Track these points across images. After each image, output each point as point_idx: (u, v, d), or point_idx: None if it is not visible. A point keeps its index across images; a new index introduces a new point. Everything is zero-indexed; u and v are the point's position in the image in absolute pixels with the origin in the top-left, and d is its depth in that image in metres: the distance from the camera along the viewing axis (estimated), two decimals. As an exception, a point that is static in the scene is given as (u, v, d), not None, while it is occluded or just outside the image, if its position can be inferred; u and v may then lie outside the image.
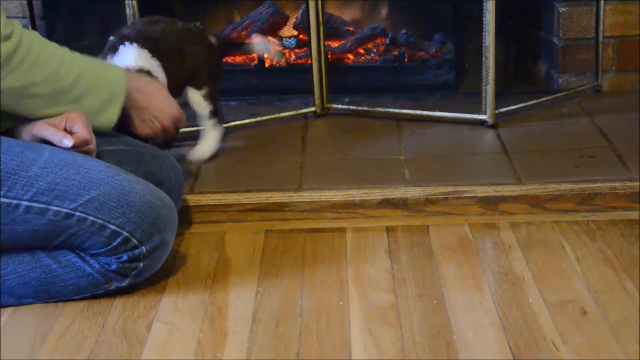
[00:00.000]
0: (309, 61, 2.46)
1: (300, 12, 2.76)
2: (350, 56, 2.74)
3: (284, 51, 2.73)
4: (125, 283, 1.66)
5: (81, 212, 1.60)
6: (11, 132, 1.71)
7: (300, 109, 2.51)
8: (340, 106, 2.51)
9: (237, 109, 2.43)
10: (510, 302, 1.60)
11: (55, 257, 1.65)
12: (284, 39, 2.78)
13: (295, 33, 2.80)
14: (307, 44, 2.48)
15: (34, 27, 2.46)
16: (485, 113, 2.33)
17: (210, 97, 2.15)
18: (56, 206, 1.60)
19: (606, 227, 1.88)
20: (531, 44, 2.75)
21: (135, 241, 1.62)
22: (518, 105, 2.41)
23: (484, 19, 2.25)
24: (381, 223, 1.95)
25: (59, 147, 1.66)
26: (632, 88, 2.56)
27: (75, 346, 1.52)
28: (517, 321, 1.53)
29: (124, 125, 1.81)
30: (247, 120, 2.41)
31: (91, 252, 1.64)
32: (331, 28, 2.70)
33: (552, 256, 1.76)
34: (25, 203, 1.59)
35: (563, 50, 2.58)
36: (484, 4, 2.23)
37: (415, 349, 1.46)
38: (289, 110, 2.49)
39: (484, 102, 2.33)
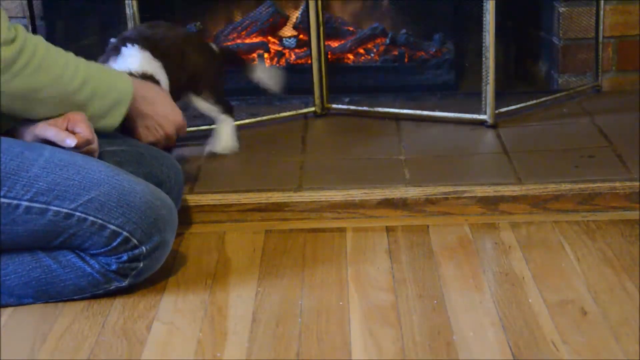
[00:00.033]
0: (309, 61, 2.46)
1: (300, 12, 2.76)
2: (350, 56, 2.74)
3: (284, 51, 2.73)
4: (125, 283, 1.66)
5: (81, 212, 1.60)
6: (11, 133, 1.71)
7: (300, 109, 2.51)
8: (340, 106, 2.51)
9: (237, 109, 2.41)
10: (510, 302, 1.60)
11: (55, 257, 1.65)
12: (284, 39, 2.79)
13: (295, 33, 2.80)
14: (307, 44, 2.48)
15: (34, 27, 2.46)
16: (485, 113, 2.33)
17: (218, 101, 2.17)
18: (56, 206, 1.60)
19: (606, 227, 1.88)
20: (531, 44, 2.75)
21: (135, 241, 1.62)
22: (518, 105, 2.41)
23: (484, 19, 2.24)
24: (381, 223, 1.95)
25: (62, 147, 1.66)
26: (632, 88, 2.56)
27: (75, 346, 1.52)
28: (517, 321, 1.53)
29: (128, 130, 1.82)
30: (247, 120, 2.41)
31: (91, 252, 1.64)
32: (331, 28, 2.70)
33: (552, 256, 1.76)
34: (25, 203, 1.59)
35: (563, 50, 2.58)
36: (484, 4, 2.23)
37: (415, 349, 1.47)
38: (289, 110, 2.49)
39: (484, 102, 2.33)
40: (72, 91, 1.66)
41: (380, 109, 2.46)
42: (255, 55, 2.71)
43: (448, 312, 1.57)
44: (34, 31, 2.44)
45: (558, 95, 2.51)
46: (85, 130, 1.67)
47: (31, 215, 1.60)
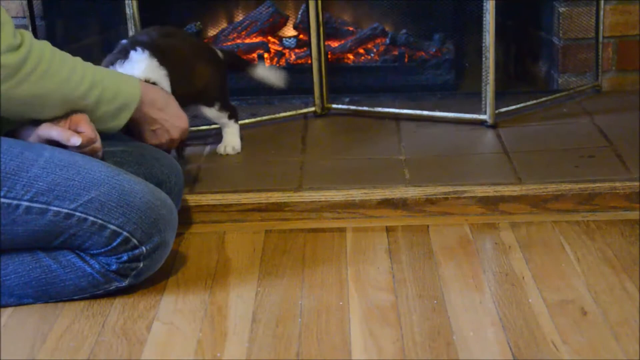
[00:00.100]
0: (309, 61, 2.46)
1: (300, 12, 2.76)
2: (350, 56, 2.74)
3: (284, 51, 2.73)
4: (125, 283, 1.66)
5: (81, 212, 1.60)
6: (13, 133, 1.71)
7: (300, 109, 2.51)
8: (340, 106, 2.51)
9: (237, 109, 2.41)
10: (510, 302, 1.60)
11: (56, 257, 1.65)
12: (284, 39, 2.79)
13: (295, 33, 2.80)
14: (307, 44, 2.48)
15: (34, 27, 2.45)
16: (485, 113, 2.33)
17: (224, 107, 2.19)
18: (56, 206, 1.60)
19: (606, 227, 1.88)
20: (531, 44, 2.75)
21: (135, 241, 1.62)
22: (518, 105, 2.41)
23: (484, 19, 2.25)
24: (381, 223, 1.95)
25: (65, 146, 1.66)
26: (632, 88, 2.56)
27: (75, 346, 1.52)
28: (517, 321, 1.53)
29: (132, 132, 1.82)
30: (247, 120, 2.41)
31: (91, 252, 1.64)
32: (331, 28, 2.70)
33: (552, 256, 1.76)
34: (25, 203, 1.59)
35: (563, 50, 2.58)
36: (484, 4, 2.23)
37: (415, 349, 1.46)
38: (289, 110, 2.49)
39: (484, 102, 2.33)
40: (79, 97, 1.66)
41: (380, 109, 2.46)
42: (255, 55, 2.71)
43: (448, 312, 1.57)
44: (34, 31, 2.44)
45: (558, 95, 2.51)
46: (88, 130, 1.68)
47: (31, 215, 1.60)
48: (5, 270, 1.65)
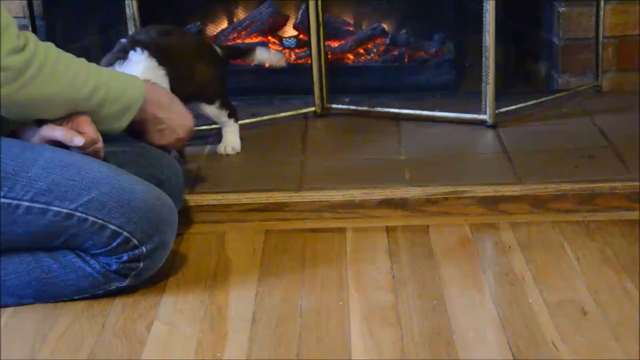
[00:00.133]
0: (309, 61, 2.46)
1: (300, 12, 2.76)
2: (350, 56, 2.74)
3: (284, 51, 2.73)
4: (125, 283, 1.66)
5: (81, 212, 1.60)
6: (15, 133, 1.71)
7: (300, 109, 2.51)
8: (340, 106, 2.51)
9: (237, 109, 2.41)
10: (510, 302, 1.60)
11: (56, 257, 1.65)
12: (284, 39, 2.79)
13: (295, 33, 2.80)
14: (307, 44, 2.48)
15: (34, 27, 2.45)
16: (485, 113, 2.33)
17: (224, 105, 2.19)
18: (56, 207, 1.60)
19: (606, 227, 1.88)
20: (531, 44, 2.75)
21: (135, 241, 1.62)
22: (518, 105, 2.41)
23: (484, 19, 2.24)
24: (381, 223, 1.95)
25: (68, 147, 1.66)
26: (632, 88, 2.56)
27: (75, 346, 1.52)
28: (517, 321, 1.53)
29: (137, 133, 1.82)
30: (247, 120, 2.41)
31: (91, 252, 1.64)
32: (331, 28, 2.70)
33: (552, 256, 1.77)
34: (25, 204, 1.59)
35: (563, 50, 2.58)
36: (484, 4, 2.23)
37: (415, 349, 1.46)
38: (289, 110, 2.49)
39: (484, 102, 2.33)
40: (83, 98, 1.66)
41: (380, 109, 2.46)
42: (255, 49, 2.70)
43: (448, 312, 1.57)
44: (34, 31, 2.44)
45: (558, 95, 2.51)
46: (90, 131, 1.68)
47: (31, 215, 1.60)
48: (6, 270, 1.65)
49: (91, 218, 1.60)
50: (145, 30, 2.09)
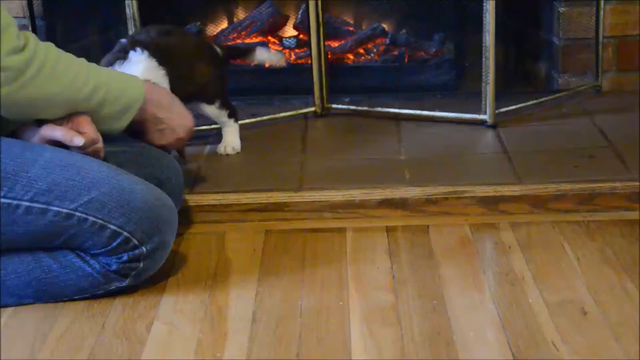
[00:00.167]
0: (309, 61, 2.46)
1: (300, 12, 2.76)
2: (350, 56, 2.74)
3: (284, 51, 2.73)
4: (125, 283, 1.66)
5: (81, 212, 1.60)
6: (15, 133, 1.71)
7: (300, 109, 2.51)
8: (340, 106, 2.51)
9: (237, 109, 2.42)
10: (510, 302, 1.60)
11: (56, 257, 1.65)
12: (284, 39, 2.79)
13: (295, 33, 2.80)
14: (307, 44, 2.48)
15: (34, 27, 2.45)
16: (485, 113, 2.33)
17: (224, 105, 2.19)
18: (56, 207, 1.60)
19: (606, 227, 1.88)
20: (531, 44, 2.75)
21: (135, 241, 1.62)
22: (518, 105, 2.41)
23: (484, 19, 2.24)
24: (381, 223, 1.95)
25: (68, 147, 1.66)
26: (632, 88, 2.56)
27: (75, 346, 1.52)
28: (517, 321, 1.53)
29: (138, 133, 1.82)
30: (247, 120, 2.41)
31: (91, 252, 1.64)
32: (331, 28, 2.70)
33: (552, 256, 1.77)
34: (25, 204, 1.59)
35: (563, 50, 2.58)
36: (484, 4, 2.23)
37: (415, 349, 1.46)
38: (289, 110, 2.49)
39: (484, 102, 2.33)
40: (83, 98, 1.66)
41: (380, 109, 2.46)
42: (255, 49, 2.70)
43: (448, 312, 1.57)
44: (34, 31, 2.44)
45: (558, 95, 2.51)
46: (90, 131, 1.68)
47: (31, 215, 1.60)
48: (6, 270, 1.65)
49: (91, 218, 1.60)
50: (145, 30, 2.08)
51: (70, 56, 1.66)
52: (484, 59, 2.28)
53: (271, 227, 1.95)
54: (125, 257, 1.63)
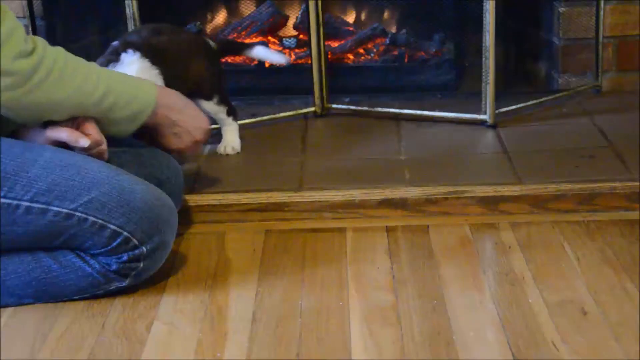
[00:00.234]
0: (309, 61, 2.46)
1: (300, 12, 2.76)
2: (350, 56, 2.74)
3: (284, 51, 2.73)
4: (125, 283, 1.66)
5: (81, 212, 1.60)
6: (17, 133, 1.71)
7: (300, 109, 2.51)
8: (340, 106, 2.51)
9: (237, 109, 2.42)
10: (510, 302, 1.60)
11: (56, 257, 1.65)
12: (284, 39, 2.79)
13: (295, 33, 2.80)
14: (307, 44, 2.48)
15: (34, 27, 2.45)
16: (485, 113, 2.33)
17: (222, 101, 2.18)
18: (56, 207, 1.60)
19: (606, 227, 1.88)
20: (531, 44, 2.75)
21: (135, 241, 1.62)
22: (518, 105, 2.41)
23: (484, 19, 2.24)
24: (381, 223, 1.95)
25: (73, 148, 1.66)
26: (632, 88, 2.56)
27: (75, 346, 1.52)
28: (517, 321, 1.53)
29: (153, 138, 1.81)
30: (247, 120, 2.41)
31: (91, 252, 1.64)
32: (331, 28, 2.70)
33: (552, 256, 1.77)
34: (25, 204, 1.59)
35: (563, 50, 2.58)
36: (484, 4, 2.23)
37: (415, 349, 1.47)
38: (289, 110, 2.49)
39: (484, 102, 2.33)
40: (93, 103, 1.65)
41: (380, 109, 2.46)
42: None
43: (448, 312, 1.57)
44: (34, 31, 2.44)
45: (558, 95, 2.51)
46: (94, 133, 1.68)
47: (31, 215, 1.60)
48: (6, 270, 1.65)
49: (91, 218, 1.60)
50: (137, 30, 2.08)
51: (80, 60, 1.66)
52: (484, 59, 2.28)
53: (271, 227, 1.95)
54: (125, 257, 1.63)
